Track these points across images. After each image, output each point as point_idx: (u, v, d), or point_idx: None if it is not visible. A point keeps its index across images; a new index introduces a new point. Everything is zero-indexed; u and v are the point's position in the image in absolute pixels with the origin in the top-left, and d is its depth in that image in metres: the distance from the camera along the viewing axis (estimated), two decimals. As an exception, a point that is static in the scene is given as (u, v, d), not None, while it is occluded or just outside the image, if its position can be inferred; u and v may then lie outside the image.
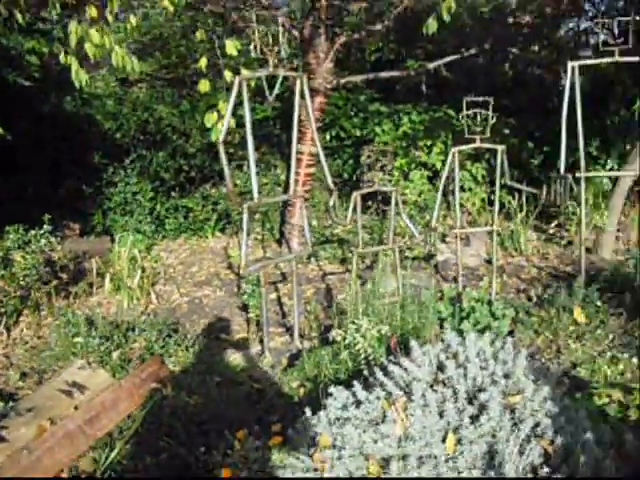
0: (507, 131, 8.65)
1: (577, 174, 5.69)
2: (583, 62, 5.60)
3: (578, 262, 6.08)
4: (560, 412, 3.35)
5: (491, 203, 7.76)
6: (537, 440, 3.14)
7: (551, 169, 6.33)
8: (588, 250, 7.31)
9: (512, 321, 5.45)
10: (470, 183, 8.06)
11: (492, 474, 3.02)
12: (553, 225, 7.97)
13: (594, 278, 6.05)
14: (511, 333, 5.35)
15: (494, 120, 5.44)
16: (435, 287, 5.95)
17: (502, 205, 7.86)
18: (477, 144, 5.49)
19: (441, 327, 5.25)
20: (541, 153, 8.61)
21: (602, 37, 5.66)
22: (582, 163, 5.66)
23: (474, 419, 3.21)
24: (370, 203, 8.11)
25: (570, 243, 7.53)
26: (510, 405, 3.28)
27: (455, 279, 6.28)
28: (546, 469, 3.04)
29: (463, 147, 5.64)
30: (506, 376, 3.41)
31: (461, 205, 7.93)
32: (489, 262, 6.92)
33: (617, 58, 5.42)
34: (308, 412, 3.49)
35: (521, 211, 7.69)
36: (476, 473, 3.05)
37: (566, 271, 6.74)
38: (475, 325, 5.20)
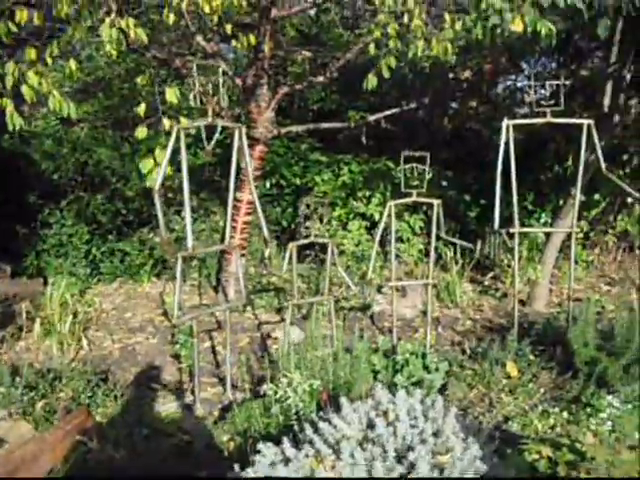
0: (445, 183, 8.79)
1: (511, 229, 5.78)
2: (517, 121, 5.74)
3: (512, 315, 6.14)
4: (489, 470, 3.35)
5: (428, 254, 7.84)
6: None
7: (487, 222, 6.43)
8: (522, 303, 7.42)
9: (446, 374, 5.46)
10: (408, 234, 8.14)
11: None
12: (488, 277, 8.06)
13: (527, 331, 6.13)
14: (444, 386, 5.35)
15: (430, 175, 5.52)
16: (369, 339, 5.95)
17: (439, 257, 7.96)
18: (413, 198, 5.54)
19: (375, 380, 5.24)
20: (478, 206, 8.76)
21: (536, 96, 5.81)
22: (516, 218, 5.76)
23: (403, 478, 3.17)
24: (308, 252, 8.09)
25: (505, 295, 7.62)
26: (439, 464, 3.26)
27: (390, 330, 6.28)
28: (473, 531, 3.02)
29: (399, 201, 5.70)
30: (435, 434, 3.40)
31: (398, 256, 8.00)
32: (425, 313, 6.95)
33: (549, 119, 5.57)
34: (237, 468, 3.42)
35: (457, 263, 7.77)
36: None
37: (500, 323, 6.81)
38: (409, 378, 5.19)
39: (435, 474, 3.18)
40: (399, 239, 8.17)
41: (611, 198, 8.49)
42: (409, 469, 3.20)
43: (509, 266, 7.80)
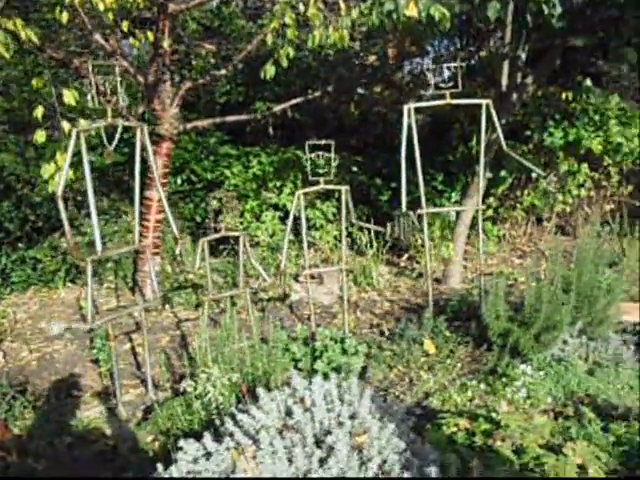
0: (355, 169, 8.90)
1: (419, 211, 5.90)
2: (417, 104, 5.86)
3: (427, 293, 6.28)
4: (407, 447, 3.43)
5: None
6: (385, 477, 3.20)
7: (399, 205, 6.54)
8: (437, 281, 7.59)
9: (366, 357, 5.55)
10: (321, 221, 8.22)
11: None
12: (404, 258, 8.21)
13: (443, 309, 6.29)
14: (365, 369, 5.45)
15: (337, 162, 5.58)
16: (289, 328, 6.01)
17: (353, 242, 8.06)
18: (321, 186, 5.60)
19: (296, 368, 5.29)
20: (389, 189, 8.90)
21: (439, 78, 5.92)
22: (423, 200, 5.88)
23: (323, 462, 3.23)
24: (224, 246, 8.08)
25: (421, 275, 7.78)
26: (358, 445, 3.33)
27: (309, 318, 6.34)
28: (394, 506, 3.10)
29: (307, 189, 5.75)
30: (352, 417, 3.47)
31: (314, 244, 8.07)
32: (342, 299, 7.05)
33: (448, 100, 5.70)
34: (160, 468, 3.42)
35: (372, 247, 7.88)
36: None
37: (417, 303, 6.95)
38: (329, 364, 5.26)
39: (354, 455, 3.25)
40: (313, 227, 8.23)
41: (517, 174, 8.74)
42: (328, 452, 3.27)
43: (423, 246, 7.96)
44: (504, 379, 5.15)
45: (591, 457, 3.97)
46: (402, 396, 5.14)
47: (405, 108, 5.72)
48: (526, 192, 8.79)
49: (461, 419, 4.20)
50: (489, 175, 8.50)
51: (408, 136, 5.70)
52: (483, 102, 5.81)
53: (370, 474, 3.17)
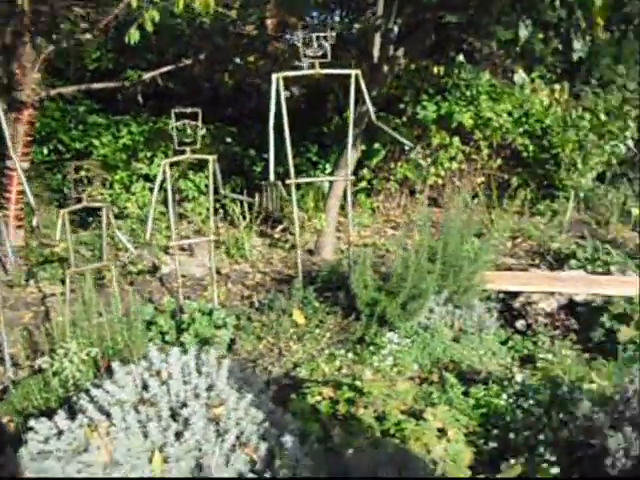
0: (229, 140, 8.77)
1: (287, 181, 5.87)
2: (286, 74, 5.78)
3: (300, 265, 6.28)
4: (266, 417, 3.40)
5: (216, 211, 7.81)
6: (242, 448, 3.16)
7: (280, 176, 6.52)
8: (310, 252, 7.59)
9: (235, 329, 5.49)
10: (194, 192, 8.05)
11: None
12: (278, 230, 8.16)
13: (313, 279, 6.29)
14: (234, 341, 5.38)
15: (203, 131, 5.46)
16: (158, 301, 5.87)
17: (227, 213, 7.95)
18: (187, 155, 5.47)
19: (163, 342, 5.18)
20: (262, 160, 8.80)
21: (314, 50, 5.86)
22: (291, 170, 5.85)
23: (179, 436, 3.16)
24: (92, 218, 7.80)
25: (294, 247, 7.73)
26: (215, 417, 3.27)
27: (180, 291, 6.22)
28: (251, 475, 3.07)
29: (173, 159, 5.61)
30: (209, 388, 3.40)
31: (186, 216, 7.91)
32: (217, 272, 6.95)
33: (317, 70, 5.66)
34: (9, 450, 3.27)
35: (244, 218, 7.79)
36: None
37: (289, 274, 6.92)
38: (196, 337, 5.18)
39: (211, 427, 3.19)
40: (185, 198, 8.07)
41: (391, 147, 8.82)
42: (185, 425, 3.19)
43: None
44: (371, 348, 5.21)
45: (451, 420, 4.06)
46: (270, 367, 5.12)
47: (274, 77, 5.65)
48: (399, 164, 8.89)
49: (325, 388, 4.21)
50: (362, 147, 8.57)
51: (277, 105, 5.63)
52: (352, 72, 5.81)
53: (227, 445, 3.12)
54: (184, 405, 3.25)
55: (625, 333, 5.27)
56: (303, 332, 5.55)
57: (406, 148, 8.77)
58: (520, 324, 5.63)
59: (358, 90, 5.81)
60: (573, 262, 6.96)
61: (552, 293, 5.89)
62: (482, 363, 5.10)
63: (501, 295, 5.99)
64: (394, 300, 5.34)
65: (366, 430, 3.77)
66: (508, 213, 8.82)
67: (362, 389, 4.10)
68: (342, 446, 3.60)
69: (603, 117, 8.84)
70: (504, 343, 5.49)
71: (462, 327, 5.49)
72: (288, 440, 3.10)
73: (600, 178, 9.87)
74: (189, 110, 5.47)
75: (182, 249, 7.09)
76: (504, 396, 4.29)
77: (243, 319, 5.68)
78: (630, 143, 8.54)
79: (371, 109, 5.96)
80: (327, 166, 8.89)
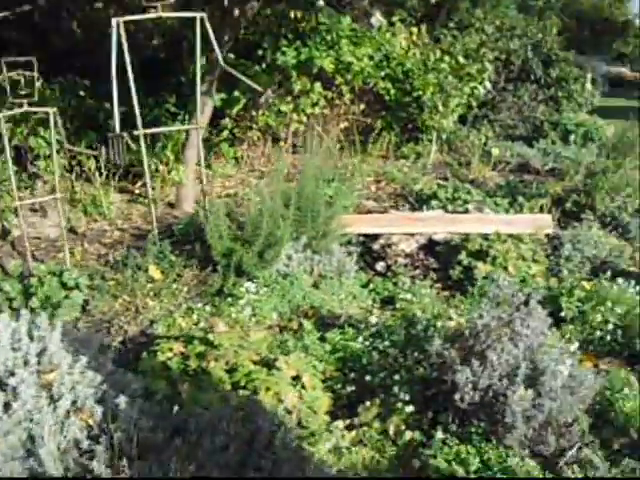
0: (83, 93, 8.32)
1: (135, 132, 5.60)
2: (127, 18, 5.46)
3: (159, 219, 6.05)
4: (104, 379, 3.22)
5: (73, 169, 7.43)
6: (77, 414, 2.97)
7: (130, 128, 6.19)
8: (171, 205, 7.35)
9: (90, 289, 5.23)
10: (45, 150, 7.59)
11: (32, 461, 2.80)
12: (139, 185, 7.84)
13: (172, 233, 6.08)
14: (87, 302, 5.12)
15: (40, 82, 5.10)
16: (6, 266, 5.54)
17: (83, 169, 7.55)
18: (25, 108, 5.10)
19: (10, 308, 4.87)
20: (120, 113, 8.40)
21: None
22: (139, 120, 5.60)
23: (8, 407, 2.93)
24: None
25: (154, 201, 7.46)
26: (47, 383, 3.06)
27: (33, 254, 5.88)
28: (87, 442, 2.89)
29: (8, 112, 5.22)
30: (41, 354, 3.18)
31: (39, 175, 7.48)
32: (72, 231, 6.63)
33: (160, 13, 5.38)
34: None
35: (101, 174, 7.44)
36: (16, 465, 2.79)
37: (148, 229, 6.65)
38: (47, 300, 4.89)
39: (44, 393, 2.98)
40: (37, 156, 7.60)
41: (251, 94, 8.59)
42: (13, 395, 2.97)
43: (157, 170, 7.66)
44: (229, 299, 5.07)
45: (307, 367, 3.99)
46: (126, 326, 4.91)
47: (114, 22, 5.32)
48: (260, 112, 8.69)
49: (176, 343, 4.04)
50: (222, 95, 8.32)
51: (119, 52, 5.33)
52: (197, 15, 5.55)
53: (61, 412, 2.92)
54: (12, 374, 3.02)
55: (481, 269, 5.34)
56: (160, 288, 5.34)
57: (267, 94, 8.59)
58: (380, 266, 5.63)
59: (206, 34, 5.56)
60: (434, 202, 7.01)
61: (412, 234, 5.91)
62: (342, 307, 5.06)
63: (362, 238, 5.96)
64: (250, 249, 5.20)
65: (216, 384, 3.64)
66: (372, 157, 8.82)
67: (213, 342, 3.96)
68: (190, 402, 3.46)
69: (462, 60, 8.91)
70: (365, 286, 5.48)
71: (322, 272, 5.42)
72: (122, 401, 2.93)
73: (462, 120, 10.01)
74: (23, 59, 5.08)
75: (34, 210, 6.70)
76: (360, 339, 4.25)
77: (97, 279, 5.41)
78: (488, 85, 8.65)
79: (219, 54, 5.73)
80: (186, 116, 8.57)
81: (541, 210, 6.88)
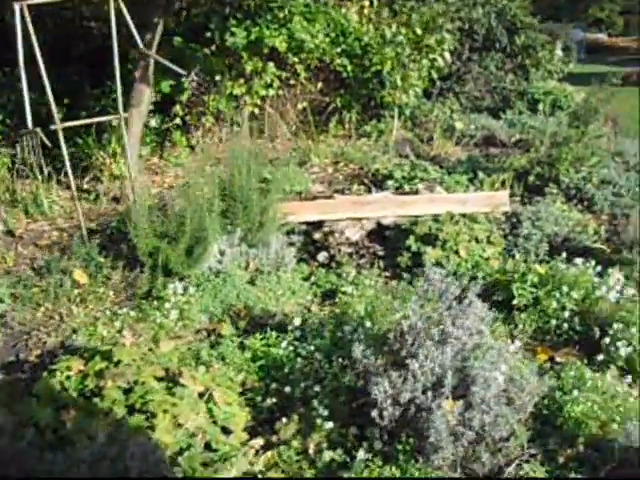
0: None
1: (52, 126, 5.06)
2: (30, 2, 4.88)
3: (102, 216, 5.51)
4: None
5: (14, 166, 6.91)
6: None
7: (73, 119, 5.68)
8: (116, 200, 6.82)
9: (15, 298, 4.73)
10: (-19, 149, 7.07)
11: None
12: (87, 180, 7.29)
13: (103, 231, 5.56)
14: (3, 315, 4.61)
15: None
16: None
17: (26, 165, 7.00)
18: None
19: None
20: (63, 106, 7.82)
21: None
22: (55, 115, 5.05)
23: None
24: None
25: (97, 197, 6.93)
26: None
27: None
28: None
29: None
30: None
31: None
32: (10, 233, 6.11)
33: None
34: None
35: (42, 172, 6.89)
36: None
37: (90, 228, 6.12)
38: (-42, 314, 4.39)
39: None
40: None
41: (200, 79, 8.03)
42: None
43: (104, 164, 7.13)
44: (156, 302, 4.56)
45: (221, 379, 3.48)
46: (46, 337, 4.40)
47: (16, 6, 4.76)
48: (212, 97, 8.10)
49: (75, 360, 3.52)
50: (171, 82, 7.78)
51: (24, 38, 4.78)
52: (110, -3, 4.99)
53: None
54: None
55: (431, 255, 4.81)
56: (87, 292, 4.82)
57: (217, 78, 8.02)
58: (322, 256, 5.10)
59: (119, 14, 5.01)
60: (390, 182, 6.48)
61: (360, 219, 5.38)
62: (278, 304, 4.55)
63: (305, 227, 5.43)
64: (177, 246, 4.67)
65: (110, 408, 3.12)
66: (333, 137, 8.28)
67: (112, 357, 3.44)
68: (75, 433, 2.95)
69: (419, 32, 8.31)
70: (307, 279, 4.95)
71: (259, 267, 4.89)
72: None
73: (428, 94, 9.44)
74: None
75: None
76: (283, 344, 3.73)
77: (19, 287, 4.89)
78: (447, 56, 8.06)
79: (137, 36, 5.19)
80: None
81: (503, 185, 6.35)
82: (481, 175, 6.41)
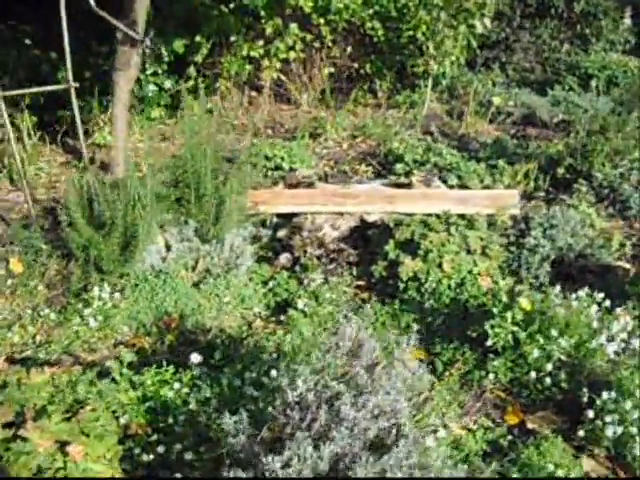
0: (28, 41, 7.01)
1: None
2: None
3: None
4: None
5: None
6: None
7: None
8: (104, 170, 6.05)
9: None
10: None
11: None
12: (89, 143, 6.54)
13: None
14: None
15: None
16: None
17: (18, 129, 6.31)
18: None
19: None
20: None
21: None
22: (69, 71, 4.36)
23: None
24: None
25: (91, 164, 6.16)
26: None
27: None
28: None
29: None
30: None
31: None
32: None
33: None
34: None
35: (30, 136, 6.19)
36: None
37: (57, 200, 5.39)
38: None
39: None
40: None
41: (216, 38, 7.14)
42: None
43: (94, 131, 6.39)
44: (80, 305, 3.79)
45: (90, 427, 2.69)
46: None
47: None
48: (228, 58, 7.20)
49: None
50: (183, 41, 6.93)
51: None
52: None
53: None
54: None
55: (408, 267, 3.86)
56: (20, 284, 4.10)
57: (232, 39, 7.11)
58: (284, 258, 4.21)
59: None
60: (399, 166, 5.51)
61: (342, 213, 4.47)
62: (219, 316, 3.73)
63: (275, 220, 4.55)
64: (110, 240, 3.88)
65: None
66: (360, 107, 7.32)
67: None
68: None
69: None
70: (266, 284, 4.09)
71: (209, 267, 4.05)
72: None
73: (472, 64, 8.30)
74: None
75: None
76: (176, 385, 2.89)
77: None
78: (487, 22, 6.89)
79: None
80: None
81: (526, 177, 5.28)
82: (501, 163, 5.35)
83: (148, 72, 7.15)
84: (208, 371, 3.00)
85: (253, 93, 7.65)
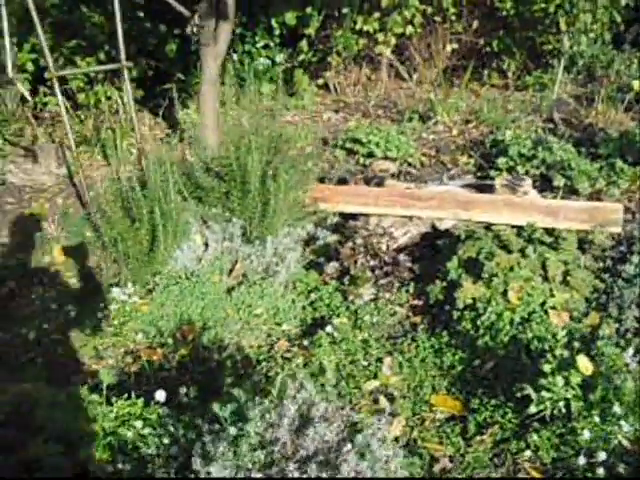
0: (142, 14, 6.71)
1: (46, 74, 3.98)
2: None
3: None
4: None
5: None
6: None
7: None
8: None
9: None
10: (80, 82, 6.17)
11: None
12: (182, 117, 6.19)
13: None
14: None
15: None
16: None
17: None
18: None
19: None
20: (176, 37, 6.70)
21: None
22: (49, 61, 3.93)
23: None
24: None
25: (182, 140, 5.78)
26: None
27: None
28: None
29: None
30: None
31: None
32: (71, 177, 5.25)
33: None
34: None
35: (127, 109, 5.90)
36: None
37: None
38: None
39: None
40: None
41: (328, 10, 6.51)
42: None
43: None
44: (102, 304, 3.43)
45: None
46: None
47: None
48: (339, 32, 6.54)
49: None
50: (294, 13, 6.37)
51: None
52: None
53: None
54: None
55: (467, 291, 3.14)
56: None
57: (344, 11, 6.46)
58: (331, 267, 3.59)
59: None
60: (501, 160, 4.71)
61: (411, 217, 3.79)
62: (241, 331, 3.21)
63: (337, 219, 3.95)
64: (138, 236, 3.46)
65: None
66: (488, 87, 6.51)
67: None
68: None
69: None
70: (309, 295, 3.50)
71: (246, 272, 3.53)
72: None
73: (619, 42, 7.10)
74: None
75: (25, 153, 5.42)
76: (138, 423, 2.39)
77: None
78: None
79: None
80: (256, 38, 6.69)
81: (645, 186, 4.32)
82: (619, 163, 4.40)
83: (259, 45, 6.69)
84: (177, 409, 2.49)
85: (368, 70, 6.97)
